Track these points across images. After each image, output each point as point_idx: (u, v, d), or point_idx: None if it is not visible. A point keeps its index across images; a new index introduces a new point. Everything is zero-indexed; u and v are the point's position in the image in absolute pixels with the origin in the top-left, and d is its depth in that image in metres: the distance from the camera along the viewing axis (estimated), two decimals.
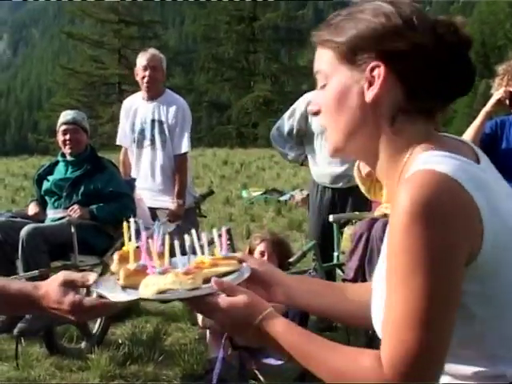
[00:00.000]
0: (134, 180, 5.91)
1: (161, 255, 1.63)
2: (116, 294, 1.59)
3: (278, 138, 5.97)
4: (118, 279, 1.63)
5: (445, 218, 1.29)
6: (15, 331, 4.81)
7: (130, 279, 1.60)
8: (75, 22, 76.66)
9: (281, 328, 1.49)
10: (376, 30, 1.44)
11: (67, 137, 5.61)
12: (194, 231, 1.67)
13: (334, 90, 1.50)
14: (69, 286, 1.62)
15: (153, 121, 6.08)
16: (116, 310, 1.67)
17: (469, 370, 1.43)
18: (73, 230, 5.07)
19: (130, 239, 1.74)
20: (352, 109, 1.48)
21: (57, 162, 5.74)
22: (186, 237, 1.62)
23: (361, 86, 1.46)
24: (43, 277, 4.97)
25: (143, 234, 1.64)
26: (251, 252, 4.67)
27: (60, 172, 5.65)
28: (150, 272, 1.59)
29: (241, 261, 1.72)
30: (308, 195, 6.28)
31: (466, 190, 1.32)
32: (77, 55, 61.13)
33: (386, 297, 1.36)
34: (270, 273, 1.77)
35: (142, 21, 55.87)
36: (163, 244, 1.64)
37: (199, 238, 1.67)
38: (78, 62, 57.95)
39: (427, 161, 1.37)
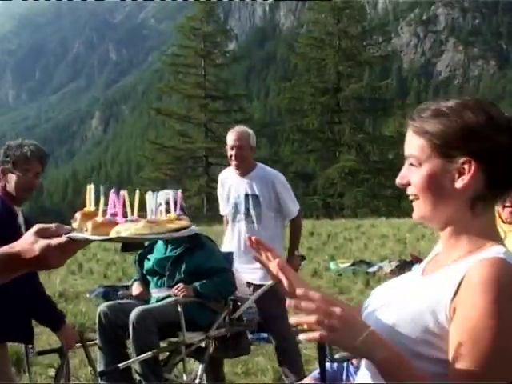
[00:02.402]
0: (232, 254, 5.95)
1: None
2: (85, 235, 1.70)
3: None
4: (86, 230, 1.70)
5: None
6: None
7: (98, 230, 1.69)
8: (163, 98, 78.75)
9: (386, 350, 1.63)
10: (466, 129, 1.72)
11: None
12: (150, 192, 1.81)
13: (426, 174, 1.77)
14: (41, 234, 1.71)
15: (246, 195, 6.14)
16: (84, 245, 1.77)
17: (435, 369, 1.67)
18: (179, 309, 5.14)
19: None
20: (441, 192, 1.75)
21: (156, 241, 5.84)
22: (148, 197, 1.79)
23: (451, 174, 1.74)
24: (156, 358, 5.11)
25: (112, 195, 1.77)
26: None
27: (160, 251, 5.73)
28: (120, 221, 1.72)
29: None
30: (397, 266, 6.21)
31: None
32: (165, 130, 62.75)
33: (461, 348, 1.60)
34: None
35: (228, 95, 57.12)
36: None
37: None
38: (166, 136, 59.47)
39: (502, 251, 1.69)
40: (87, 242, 1.74)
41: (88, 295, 11.77)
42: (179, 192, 2.02)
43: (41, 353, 5.05)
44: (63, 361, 4.72)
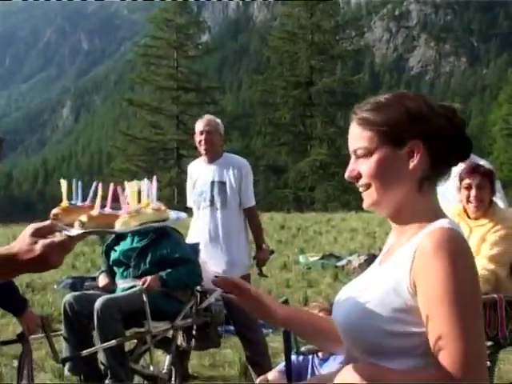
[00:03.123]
0: (198, 244, 5.95)
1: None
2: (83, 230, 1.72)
3: None
4: (83, 223, 1.72)
5: (471, 265, 1.78)
6: None
7: (95, 223, 1.73)
8: (135, 89, 78.34)
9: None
10: (410, 114, 1.89)
11: None
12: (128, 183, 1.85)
13: (379, 161, 1.90)
14: (37, 235, 1.71)
15: (212, 182, 6.17)
16: (85, 237, 1.78)
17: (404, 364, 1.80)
18: (145, 298, 5.13)
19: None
20: (393, 176, 1.90)
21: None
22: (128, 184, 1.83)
23: (402, 158, 1.89)
24: (120, 346, 5.09)
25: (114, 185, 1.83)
26: None
27: (126, 242, 5.72)
28: (121, 212, 1.76)
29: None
30: (366, 260, 6.26)
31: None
32: (136, 121, 62.48)
33: (434, 317, 1.72)
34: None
35: (200, 87, 56.94)
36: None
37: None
38: (138, 127, 59.19)
39: (447, 222, 1.85)
40: (83, 236, 1.74)
41: (56, 286, 11.68)
42: (154, 181, 1.97)
43: (3, 343, 5.01)
44: (25, 348, 4.68)
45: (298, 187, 55.49)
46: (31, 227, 1.73)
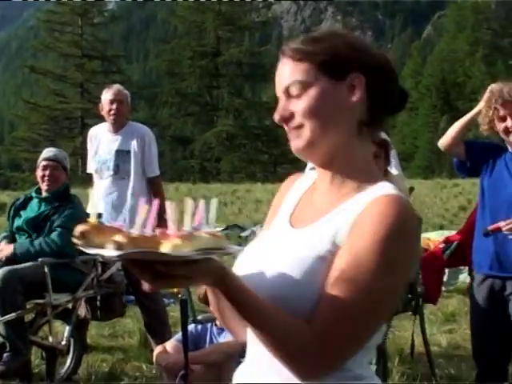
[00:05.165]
0: (101, 215, 5.85)
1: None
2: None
3: None
4: (121, 244, 1.42)
5: (412, 237, 1.63)
6: None
7: (132, 244, 1.42)
8: (38, 56, 76.42)
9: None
10: (351, 45, 1.70)
11: (46, 172, 5.59)
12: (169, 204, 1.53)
13: (318, 95, 1.67)
14: None
15: (117, 151, 6.11)
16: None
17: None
18: (46, 270, 5.05)
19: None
20: (333, 112, 1.67)
21: (31, 198, 5.71)
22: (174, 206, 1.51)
23: (342, 92, 1.67)
24: (20, 318, 5.01)
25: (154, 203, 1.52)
26: None
27: (32, 209, 5.61)
28: (171, 234, 1.44)
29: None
30: None
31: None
32: (39, 89, 60.95)
33: (338, 280, 1.53)
34: None
35: (105, 55, 55.97)
36: None
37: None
38: (41, 96, 57.81)
39: (392, 187, 1.66)
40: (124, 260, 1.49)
41: None
42: (215, 202, 1.63)
43: None
44: None
45: (204, 158, 55.43)
46: None
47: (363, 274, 1.52)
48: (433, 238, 9.89)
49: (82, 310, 5.49)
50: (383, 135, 5.59)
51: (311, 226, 1.68)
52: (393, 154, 5.43)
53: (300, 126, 1.68)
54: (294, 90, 1.69)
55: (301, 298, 1.57)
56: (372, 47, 1.75)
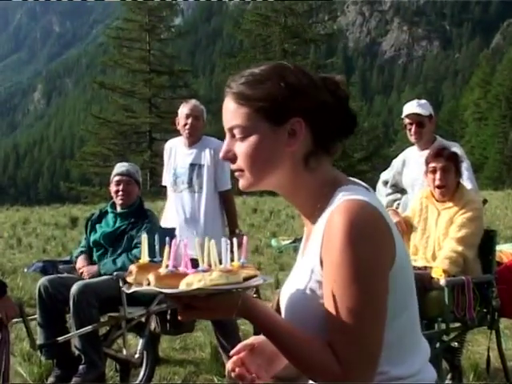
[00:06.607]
0: (174, 230, 5.89)
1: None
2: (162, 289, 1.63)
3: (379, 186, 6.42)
4: (148, 284, 1.65)
5: (372, 236, 1.63)
6: None
7: (162, 282, 1.64)
8: (107, 72, 77.80)
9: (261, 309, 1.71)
10: (291, 89, 1.72)
11: (120, 187, 5.69)
12: (223, 239, 1.75)
13: (257, 142, 1.74)
14: None
15: (191, 165, 6.16)
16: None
17: None
18: (121, 284, 5.11)
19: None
20: (272, 157, 1.74)
21: (106, 212, 5.80)
22: (212, 244, 1.71)
23: (282, 137, 1.73)
24: (95, 331, 5.09)
25: (176, 241, 1.77)
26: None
27: (108, 224, 5.73)
28: (189, 272, 1.66)
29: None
30: None
31: (381, 213, 1.67)
32: (108, 105, 61.93)
33: (328, 301, 1.64)
34: None
35: (173, 70, 56.56)
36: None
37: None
38: (110, 111, 58.70)
39: (348, 193, 1.70)
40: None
41: (26, 270, 11.58)
42: (245, 237, 1.85)
43: None
44: (4, 335, 4.63)
45: None
46: None
47: (345, 288, 1.61)
48: (505, 251, 9.65)
49: (153, 324, 5.53)
50: (456, 148, 5.50)
51: (304, 256, 1.83)
52: (465, 166, 5.35)
53: (242, 170, 1.77)
54: (236, 133, 1.76)
55: (307, 322, 1.72)
56: (316, 79, 1.78)
